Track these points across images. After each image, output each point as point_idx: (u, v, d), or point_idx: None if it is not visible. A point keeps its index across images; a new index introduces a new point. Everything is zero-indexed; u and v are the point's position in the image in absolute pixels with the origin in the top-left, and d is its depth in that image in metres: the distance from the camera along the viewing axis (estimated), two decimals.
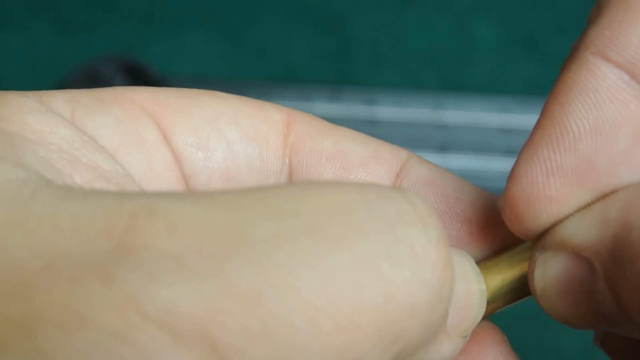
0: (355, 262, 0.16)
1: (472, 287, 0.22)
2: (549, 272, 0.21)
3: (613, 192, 0.20)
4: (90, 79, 0.55)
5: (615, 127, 0.20)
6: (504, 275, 0.23)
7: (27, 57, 0.61)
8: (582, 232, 0.20)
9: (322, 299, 0.16)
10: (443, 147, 0.57)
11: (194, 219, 0.16)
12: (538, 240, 0.22)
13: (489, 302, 0.22)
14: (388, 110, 0.58)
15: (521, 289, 0.23)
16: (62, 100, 0.22)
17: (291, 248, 0.16)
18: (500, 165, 0.56)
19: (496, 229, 0.24)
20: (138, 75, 0.56)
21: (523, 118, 0.57)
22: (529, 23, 0.64)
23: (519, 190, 0.21)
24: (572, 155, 0.21)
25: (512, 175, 0.22)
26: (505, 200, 0.22)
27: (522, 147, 0.22)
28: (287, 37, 0.62)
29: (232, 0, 0.63)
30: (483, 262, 0.23)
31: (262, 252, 0.16)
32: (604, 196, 0.21)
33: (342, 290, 0.16)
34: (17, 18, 0.62)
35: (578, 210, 0.21)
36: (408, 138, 0.58)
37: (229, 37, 0.62)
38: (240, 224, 0.16)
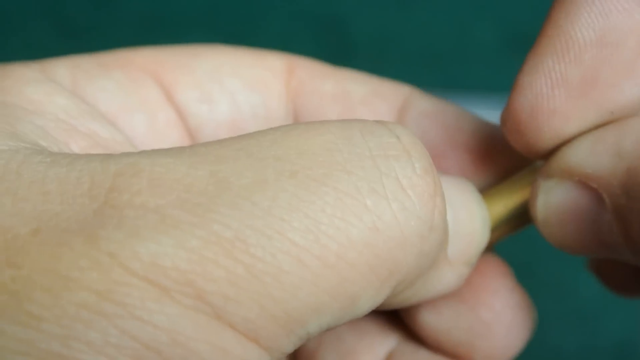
0: (339, 199, 0.16)
1: (474, 214, 0.21)
2: (553, 199, 0.20)
3: (624, 119, 0.19)
4: None
5: (621, 37, 0.20)
6: (506, 201, 0.22)
7: (28, 58, 0.61)
8: (593, 161, 0.19)
9: (308, 239, 0.16)
10: None
11: (176, 173, 0.16)
12: (543, 165, 0.21)
13: (492, 230, 0.22)
14: None
15: (524, 215, 0.22)
16: (63, 67, 0.23)
17: (274, 192, 0.16)
18: None
19: (499, 158, 0.24)
20: None
21: None
22: (528, 23, 0.64)
23: (522, 102, 0.21)
24: (577, 66, 0.20)
25: (515, 86, 0.21)
26: (508, 113, 0.22)
27: (526, 56, 0.21)
28: (287, 37, 0.62)
29: (232, 0, 0.63)
30: (486, 190, 0.23)
31: (245, 198, 0.16)
32: (610, 121, 0.20)
33: (328, 229, 0.16)
34: (18, 19, 0.62)
35: (583, 134, 0.20)
36: None
37: (229, 37, 0.62)
38: (223, 174, 0.16)
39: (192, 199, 0.16)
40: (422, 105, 0.25)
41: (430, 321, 0.22)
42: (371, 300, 0.17)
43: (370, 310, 0.17)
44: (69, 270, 0.15)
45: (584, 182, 0.20)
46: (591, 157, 0.19)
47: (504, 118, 0.22)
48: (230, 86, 0.24)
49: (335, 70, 0.26)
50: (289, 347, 0.16)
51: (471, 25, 0.63)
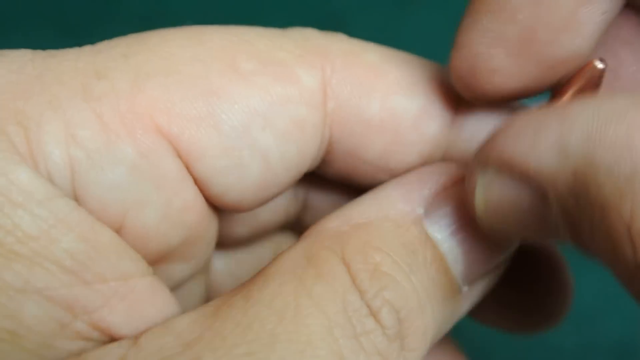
0: None
1: None
2: (493, 195, 0.19)
3: (568, 107, 0.18)
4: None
5: None
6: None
7: None
8: (535, 156, 0.18)
9: None
10: None
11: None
12: (478, 149, 0.20)
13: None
14: None
15: None
16: (57, 148, 0.19)
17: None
18: None
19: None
20: None
21: None
22: None
23: (463, 62, 0.21)
24: (513, 25, 0.20)
25: (455, 43, 0.22)
26: (452, 71, 0.22)
27: (464, 12, 0.21)
28: None
29: (232, 0, 0.63)
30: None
31: None
32: (555, 87, 0.21)
33: None
34: (19, 21, 0.62)
35: (524, 117, 0.19)
36: None
37: None
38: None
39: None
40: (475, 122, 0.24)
41: None
42: None
43: None
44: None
45: (527, 178, 0.18)
46: (533, 150, 0.18)
47: (451, 75, 0.22)
48: (263, 143, 0.21)
49: (378, 71, 0.23)
50: None
51: None
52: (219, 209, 0.22)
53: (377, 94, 0.23)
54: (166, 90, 0.20)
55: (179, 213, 0.21)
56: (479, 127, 0.24)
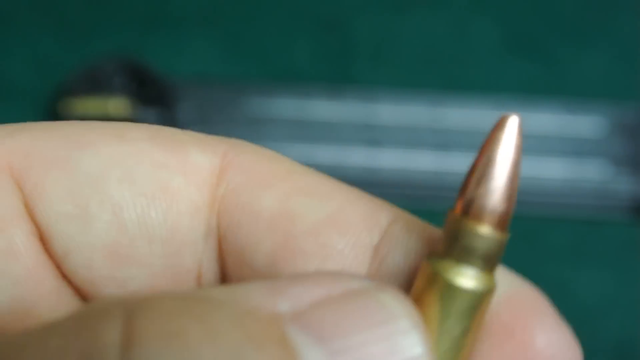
0: None
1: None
2: None
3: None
4: (90, 79, 0.55)
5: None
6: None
7: (28, 57, 0.61)
8: None
9: None
10: (442, 147, 0.57)
11: None
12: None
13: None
14: (388, 109, 0.58)
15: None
16: None
17: None
18: None
19: None
20: (138, 76, 0.56)
21: (522, 116, 0.57)
22: (528, 24, 0.64)
23: None
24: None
25: None
26: None
27: None
28: (287, 37, 0.62)
29: (232, 0, 0.63)
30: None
31: None
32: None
33: None
34: (18, 18, 0.62)
35: None
36: (407, 137, 0.58)
37: (228, 37, 0.62)
38: None
39: None
40: (404, 242, 0.19)
41: None
42: None
43: None
44: None
45: None
46: None
47: None
48: (116, 196, 0.18)
49: (287, 175, 0.20)
50: None
51: (471, 26, 0.63)
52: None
53: (275, 190, 0.19)
54: (35, 139, 0.19)
55: (17, 254, 0.18)
56: (406, 257, 0.19)
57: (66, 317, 0.15)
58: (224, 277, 0.20)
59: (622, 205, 0.55)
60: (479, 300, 0.17)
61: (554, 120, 0.58)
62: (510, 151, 0.17)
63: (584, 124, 0.58)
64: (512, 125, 0.18)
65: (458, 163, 0.55)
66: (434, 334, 0.17)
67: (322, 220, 0.19)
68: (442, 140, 0.57)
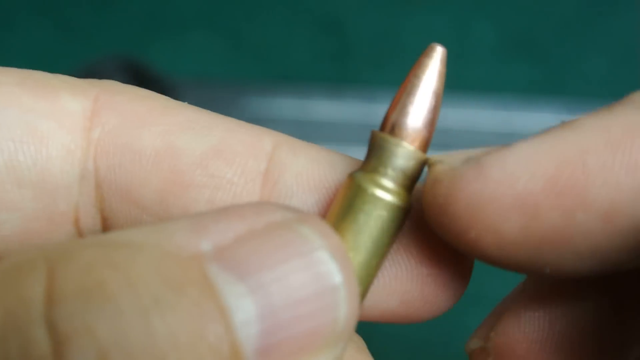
0: None
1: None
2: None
3: None
4: (91, 79, 0.55)
5: None
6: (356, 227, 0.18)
7: (28, 56, 0.61)
8: None
9: None
10: (442, 147, 0.57)
11: None
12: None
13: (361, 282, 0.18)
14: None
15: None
16: None
17: None
18: None
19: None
20: (138, 75, 0.56)
21: (522, 117, 0.57)
22: (527, 24, 0.64)
23: (467, 191, 0.18)
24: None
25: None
26: (436, 191, 0.18)
27: None
28: (287, 37, 0.62)
29: (233, 0, 0.63)
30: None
31: None
32: None
33: None
34: (18, 18, 0.62)
35: None
36: None
37: (229, 37, 0.62)
38: None
39: None
40: (294, 165, 0.19)
41: None
42: None
43: None
44: None
45: None
46: None
47: (427, 190, 0.18)
48: None
49: (164, 112, 0.19)
50: None
51: (470, 26, 0.63)
52: None
53: (154, 128, 0.19)
54: None
55: None
56: (297, 179, 0.20)
57: None
58: (105, 219, 0.20)
59: None
60: (397, 213, 0.18)
61: (554, 120, 0.58)
62: (433, 78, 0.19)
63: None
64: (438, 54, 0.19)
65: None
66: (350, 245, 0.18)
67: (208, 152, 0.19)
68: (442, 140, 0.57)
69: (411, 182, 0.18)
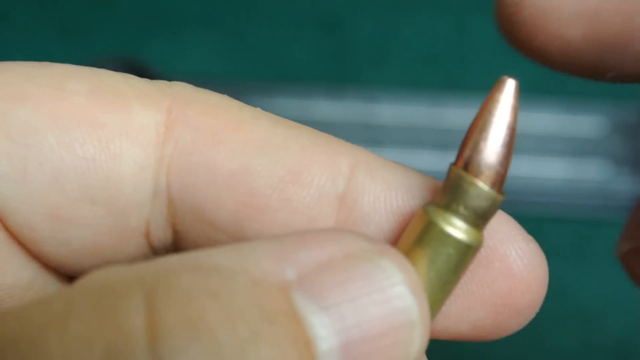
0: None
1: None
2: None
3: None
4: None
5: None
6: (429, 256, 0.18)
7: (28, 56, 0.61)
8: None
9: None
10: (442, 146, 0.57)
11: None
12: None
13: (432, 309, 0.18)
14: (388, 109, 0.58)
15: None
16: None
17: None
18: None
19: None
20: (138, 75, 0.56)
21: (522, 116, 0.57)
22: None
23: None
24: None
25: None
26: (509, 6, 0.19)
27: None
28: (287, 37, 0.62)
29: (233, 0, 0.63)
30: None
31: None
32: None
33: None
34: (18, 17, 0.62)
35: None
36: (407, 137, 0.58)
37: (228, 37, 0.62)
38: None
39: None
40: (372, 188, 0.19)
41: None
42: None
43: None
44: None
45: None
46: None
47: (501, 9, 0.19)
48: (56, 158, 0.18)
49: (238, 126, 0.19)
50: None
51: (470, 26, 0.63)
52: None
53: (228, 146, 0.19)
54: None
55: None
56: (374, 204, 0.19)
57: (81, 292, 0.15)
58: (177, 233, 0.20)
59: (622, 205, 0.55)
60: (467, 252, 0.18)
61: (554, 120, 0.58)
62: (507, 113, 0.18)
63: (584, 124, 0.58)
64: (510, 87, 0.19)
65: None
66: (421, 278, 0.18)
67: (284, 175, 0.19)
68: (442, 140, 0.57)
69: (484, 221, 0.18)
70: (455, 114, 0.58)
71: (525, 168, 0.57)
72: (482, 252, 0.19)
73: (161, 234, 0.20)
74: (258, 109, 0.20)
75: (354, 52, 0.62)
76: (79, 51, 0.60)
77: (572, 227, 0.57)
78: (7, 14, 0.62)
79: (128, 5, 0.62)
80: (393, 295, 0.16)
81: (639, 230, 0.21)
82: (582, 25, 0.17)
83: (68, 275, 0.21)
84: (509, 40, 0.18)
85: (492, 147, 0.18)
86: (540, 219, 0.56)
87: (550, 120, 0.58)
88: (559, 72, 0.19)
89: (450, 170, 0.18)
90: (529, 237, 0.20)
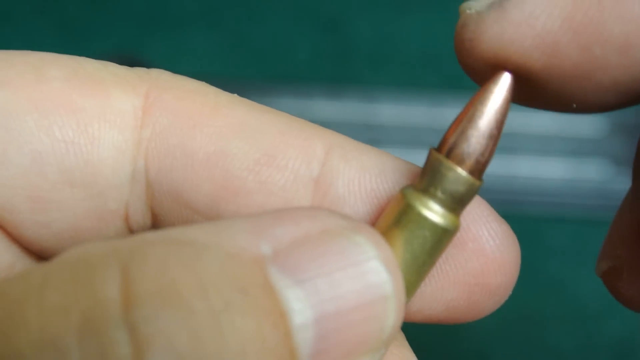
0: None
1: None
2: None
3: None
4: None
5: None
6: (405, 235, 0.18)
7: None
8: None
9: None
10: None
11: None
12: None
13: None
14: (387, 109, 0.58)
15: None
16: None
17: None
18: (500, 163, 0.56)
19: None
20: None
21: (522, 116, 0.57)
22: None
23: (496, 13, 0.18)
24: None
25: None
26: (468, 19, 0.19)
27: None
28: (287, 37, 0.62)
29: (233, 0, 0.63)
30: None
31: None
32: None
33: None
34: (18, 17, 0.62)
35: None
36: (407, 137, 0.58)
37: (229, 36, 0.62)
38: None
39: None
40: (346, 171, 0.19)
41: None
42: None
43: None
44: None
45: None
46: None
47: (462, 22, 0.19)
48: (36, 140, 0.18)
49: (215, 111, 0.19)
50: None
51: None
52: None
53: (205, 129, 0.19)
54: None
55: None
56: (348, 186, 0.20)
57: (58, 265, 0.15)
58: (155, 216, 0.20)
59: None
60: (443, 235, 0.18)
61: (554, 121, 0.58)
62: (498, 105, 0.18)
63: (584, 124, 0.58)
64: (505, 81, 0.18)
65: None
66: (397, 259, 0.18)
67: (260, 158, 0.19)
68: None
69: (460, 206, 0.18)
70: (455, 114, 0.58)
71: (525, 168, 0.57)
72: (460, 230, 0.19)
73: (140, 217, 0.20)
74: (235, 95, 0.20)
75: (354, 52, 0.62)
76: (79, 51, 0.60)
77: (572, 227, 0.57)
78: (7, 14, 0.62)
79: (128, 5, 0.62)
80: (367, 269, 0.16)
81: (616, 249, 0.22)
82: (541, 58, 0.17)
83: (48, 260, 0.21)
84: (469, 73, 0.18)
85: (477, 137, 0.18)
86: (540, 219, 0.56)
87: (550, 120, 0.58)
88: (524, 106, 0.19)
89: (430, 155, 0.19)
90: (501, 219, 0.20)
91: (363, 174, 0.20)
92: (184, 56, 0.61)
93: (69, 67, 0.19)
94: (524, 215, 0.55)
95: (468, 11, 0.18)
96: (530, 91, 0.18)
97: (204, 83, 0.20)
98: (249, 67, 0.61)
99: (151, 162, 0.19)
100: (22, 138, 0.18)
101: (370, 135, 0.57)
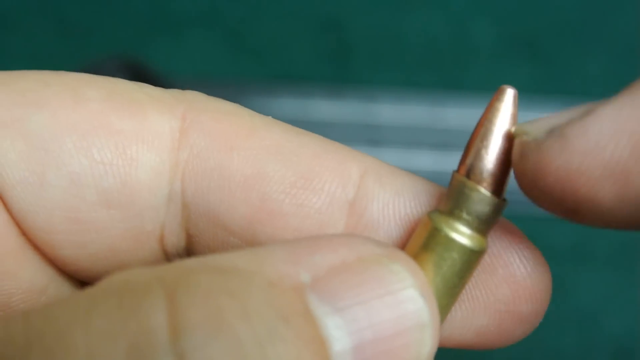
0: None
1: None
2: None
3: None
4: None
5: None
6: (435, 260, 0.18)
7: (28, 56, 0.61)
8: None
9: None
10: (442, 146, 0.57)
11: None
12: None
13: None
14: (387, 109, 0.58)
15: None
16: None
17: None
18: None
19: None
20: (138, 75, 0.56)
21: (522, 116, 0.57)
22: (527, 23, 0.64)
23: (564, 149, 0.17)
24: None
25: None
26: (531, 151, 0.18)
27: None
28: (287, 37, 0.62)
29: (233, 0, 0.63)
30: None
31: None
32: None
33: None
34: (18, 18, 0.62)
35: None
36: (407, 137, 0.58)
37: (229, 37, 0.62)
38: None
39: None
40: (380, 195, 0.20)
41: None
42: None
43: None
44: None
45: None
46: None
47: (521, 150, 0.18)
48: (72, 163, 0.18)
49: (251, 132, 0.19)
50: None
51: (470, 26, 0.63)
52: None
53: (242, 152, 0.19)
54: None
55: None
56: (383, 210, 0.20)
57: (102, 291, 0.15)
58: (190, 237, 0.20)
59: None
60: (471, 257, 0.18)
61: None
62: (506, 121, 0.19)
63: None
64: (509, 96, 0.19)
65: (457, 163, 0.55)
66: (429, 284, 0.19)
67: (296, 181, 0.19)
68: (442, 140, 0.57)
69: (487, 226, 0.19)
70: (455, 114, 0.58)
71: None
72: (486, 259, 0.19)
73: (175, 238, 0.20)
74: (269, 117, 0.20)
75: (354, 52, 0.62)
76: (79, 51, 0.60)
77: (571, 227, 0.57)
78: (7, 15, 0.62)
79: (128, 5, 0.62)
80: (404, 298, 0.17)
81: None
82: (612, 188, 0.17)
83: (82, 281, 0.21)
84: (534, 201, 0.18)
85: (492, 155, 0.18)
86: (540, 219, 0.56)
87: None
88: (589, 225, 0.18)
89: (453, 178, 0.19)
90: (533, 246, 0.20)
91: (397, 198, 0.20)
92: (184, 56, 0.61)
93: (105, 88, 0.19)
94: (523, 215, 0.55)
95: (525, 137, 0.18)
96: (601, 216, 0.17)
97: (238, 105, 0.20)
98: (249, 67, 0.61)
99: (188, 184, 0.19)
100: (60, 160, 0.18)
101: (370, 135, 0.57)
